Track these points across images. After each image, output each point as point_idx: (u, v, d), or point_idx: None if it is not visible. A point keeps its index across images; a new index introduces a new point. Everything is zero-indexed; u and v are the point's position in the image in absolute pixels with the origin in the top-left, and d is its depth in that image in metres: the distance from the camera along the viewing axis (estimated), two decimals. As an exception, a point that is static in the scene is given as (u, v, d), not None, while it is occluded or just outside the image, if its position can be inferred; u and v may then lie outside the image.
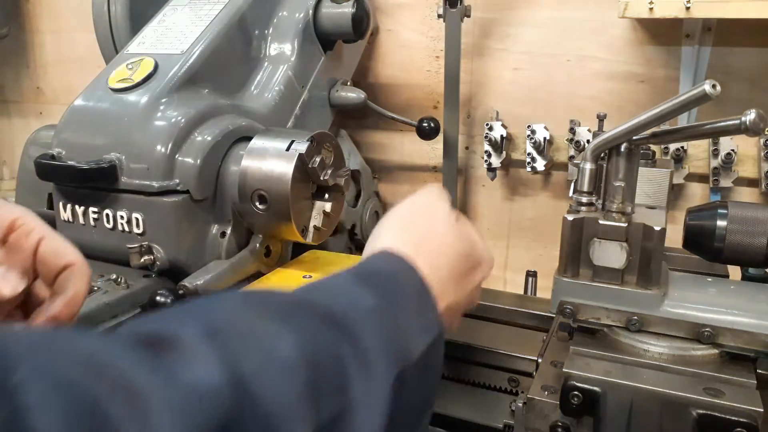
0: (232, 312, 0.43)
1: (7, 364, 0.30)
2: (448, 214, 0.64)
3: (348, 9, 1.23)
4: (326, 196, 1.01)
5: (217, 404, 0.34)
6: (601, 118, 0.94)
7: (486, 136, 1.40)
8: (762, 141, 1.22)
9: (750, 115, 0.59)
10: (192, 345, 0.37)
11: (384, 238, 0.60)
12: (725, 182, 1.26)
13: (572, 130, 1.34)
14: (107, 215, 0.97)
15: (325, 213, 1.01)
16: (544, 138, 1.34)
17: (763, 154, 1.22)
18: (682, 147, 1.26)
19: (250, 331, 0.41)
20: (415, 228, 0.62)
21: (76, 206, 0.99)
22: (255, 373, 0.37)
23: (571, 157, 1.35)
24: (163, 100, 0.98)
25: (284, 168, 0.93)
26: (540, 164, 1.37)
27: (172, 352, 0.36)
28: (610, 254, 0.67)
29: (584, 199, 0.70)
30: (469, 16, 1.34)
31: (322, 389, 0.41)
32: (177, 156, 0.95)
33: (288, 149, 0.94)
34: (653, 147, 0.88)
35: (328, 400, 0.41)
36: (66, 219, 1.01)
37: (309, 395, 0.39)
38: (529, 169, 1.38)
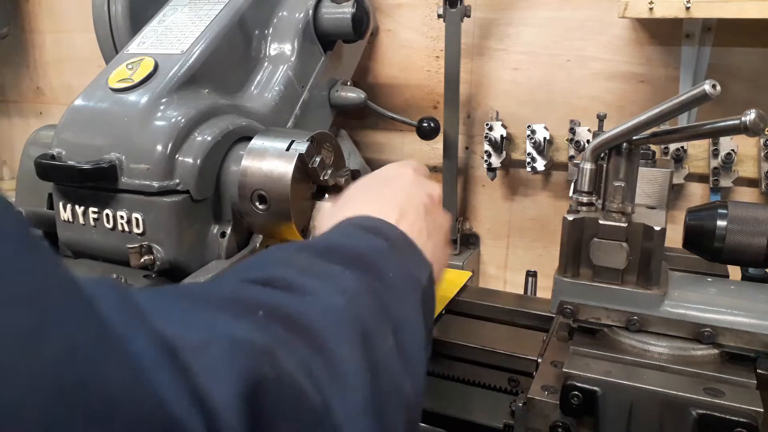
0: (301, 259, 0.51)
1: None
2: (409, 174, 0.70)
3: (348, 9, 1.23)
4: (326, 196, 1.01)
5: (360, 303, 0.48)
6: (601, 118, 0.94)
7: (486, 136, 1.41)
8: (762, 141, 1.22)
9: (750, 115, 0.59)
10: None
11: (353, 206, 0.64)
12: (725, 182, 1.26)
13: (572, 130, 1.34)
14: (107, 215, 0.97)
15: (325, 213, 1.01)
16: (544, 138, 1.34)
17: (763, 154, 1.22)
18: (682, 147, 1.27)
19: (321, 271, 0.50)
20: (381, 191, 0.68)
21: (76, 206, 0.99)
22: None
23: (571, 157, 1.35)
24: (163, 100, 0.98)
25: (284, 168, 0.93)
26: (540, 164, 1.37)
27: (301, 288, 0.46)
28: (610, 254, 0.67)
29: (584, 199, 0.70)
30: (469, 16, 1.34)
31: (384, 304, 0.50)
32: (177, 156, 0.95)
33: (288, 149, 0.94)
34: (653, 147, 0.88)
35: (387, 314, 0.49)
36: (66, 219, 1.01)
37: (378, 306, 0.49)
38: (529, 169, 1.38)
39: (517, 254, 1.53)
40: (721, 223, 0.68)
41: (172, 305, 0.38)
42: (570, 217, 0.69)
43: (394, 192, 0.66)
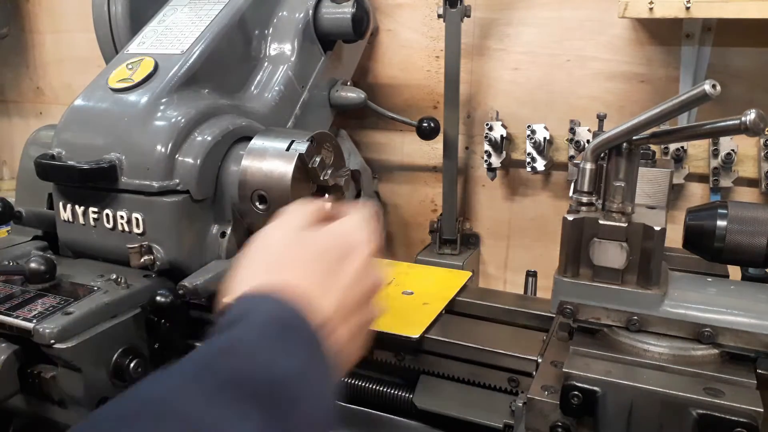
0: None
1: None
2: (290, 225, 0.62)
3: (348, 9, 1.23)
4: (326, 196, 1.01)
5: None
6: (601, 118, 0.94)
7: (486, 136, 1.41)
8: (762, 141, 1.22)
9: (750, 115, 0.59)
10: None
11: (247, 278, 0.57)
12: (725, 182, 1.26)
13: (572, 130, 1.34)
14: (107, 215, 0.97)
15: (325, 213, 1.01)
16: (544, 138, 1.34)
17: (763, 154, 1.22)
18: (682, 147, 1.27)
19: None
20: (270, 258, 0.59)
21: (76, 206, 0.99)
22: None
23: (571, 157, 1.35)
24: (163, 100, 0.98)
25: (284, 168, 0.93)
26: (540, 164, 1.37)
27: None
28: (610, 254, 0.67)
29: (584, 199, 0.70)
30: (469, 16, 1.34)
31: None
32: (177, 156, 0.95)
33: (288, 149, 0.94)
34: (653, 147, 0.88)
35: None
36: (66, 219, 1.01)
37: None
38: (529, 169, 1.38)
39: (517, 254, 1.53)
40: (721, 223, 0.68)
41: None
42: (570, 217, 0.69)
43: (335, 274, 0.58)
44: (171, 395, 0.43)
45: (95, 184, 0.95)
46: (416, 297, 0.94)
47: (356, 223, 0.63)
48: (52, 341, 0.79)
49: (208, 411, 0.42)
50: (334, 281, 0.57)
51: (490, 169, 1.43)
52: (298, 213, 0.63)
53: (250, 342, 0.50)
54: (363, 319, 0.60)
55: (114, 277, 0.91)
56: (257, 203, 0.95)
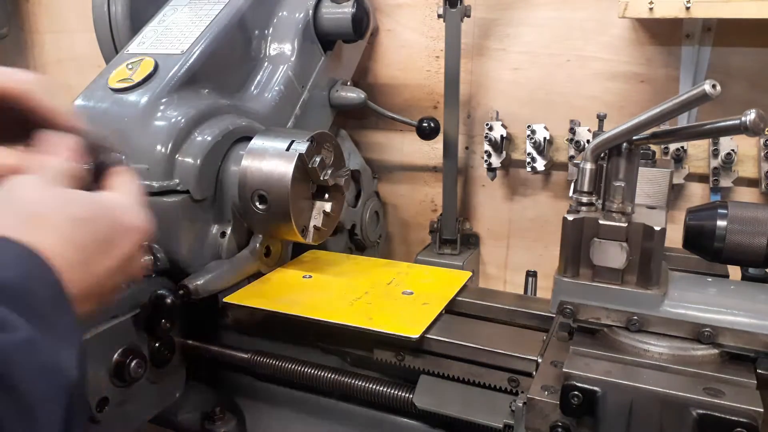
0: None
1: None
2: (46, 176, 0.52)
3: (348, 9, 1.23)
4: (326, 196, 1.01)
5: None
6: (601, 118, 0.94)
7: (486, 136, 1.41)
8: (762, 141, 1.22)
9: (750, 115, 0.59)
10: None
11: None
12: (725, 182, 1.26)
13: (572, 130, 1.34)
14: (107, 215, 0.97)
15: (325, 213, 1.01)
16: (544, 138, 1.34)
17: (763, 154, 1.22)
18: (682, 147, 1.27)
19: None
20: (21, 210, 0.48)
21: (76, 206, 0.99)
22: None
23: (571, 157, 1.35)
24: (163, 100, 0.98)
25: (284, 168, 0.93)
26: (540, 164, 1.37)
27: None
28: (610, 254, 0.67)
29: (584, 199, 0.70)
30: (469, 16, 1.34)
31: None
32: (177, 156, 0.95)
33: (288, 149, 0.94)
34: (653, 147, 0.88)
35: None
36: (66, 219, 1.00)
37: None
38: (529, 169, 1.38)
39: (517, 254, 1.53)
40: (721, 223, 0.68)
41: None
42: (570, 217, 0.69)
43: (100, 253, 0.50)
44: None
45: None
46: (416, 297, 0.94)
47: (132, 200, 0.55)
48: (52, 341, 0.79)
49: None
50: (96, 262, 0.50)
51: (490, 169, 1.43)
52: (56, 165, 0.53)
53: None
54: (106, 298, 0.53)
55: (114, 277, 0.91)
56: (257, 203, 0.95)
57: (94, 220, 0.51)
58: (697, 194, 1.32)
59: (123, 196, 0.55)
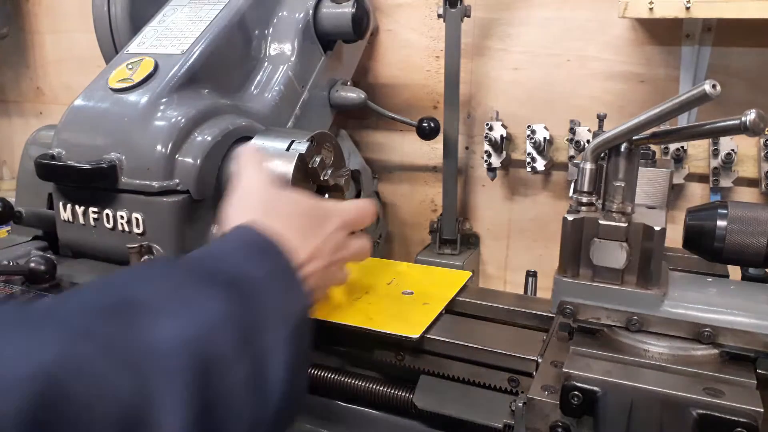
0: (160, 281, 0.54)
1: None
2: (264, 180, 0.75)
3: (348, 9, 1.23)
4: (326, 196, 1.01)
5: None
6: (601, 118, 0.94)
7: (486, 136, 1.41)
8: (762, 141, 1.22)
9: (750, 115, 0.59)
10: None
11: (237, 217, 0.68)
12: (725, 182, 1.26)
13: (572, 130, 1.34)
14: (107, 215, 0.97)
15: (325, 213, 1.01)
16: (544, 138, 1.34)
17: (763, 154, 1.22)
18: (682, 147, 1.27)
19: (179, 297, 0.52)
20: (262, 202, 0.72)
21: (76, 206, 0.99)
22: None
23: (571, 157, 1.35)
24: (163, 100, 0.98)
25: (284, 168, 0.93)
26: (540, 164, 1.37)
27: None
28: (610, 254, 0.67)
29: (584, 199, 0.70)
30: (469, 16, 1.34)
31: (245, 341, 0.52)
32: (177, 156, 0.95)
33: (288, 149, 0.94)
34: (653, 147, 0.88)
35: (249, 348, 0.52)
36: (66, 219, 1.01)
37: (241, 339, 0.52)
38: (529, 169, 1.38)
39: (517, 254, 1.53)
40: (721, 223, 0.68)
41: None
42: (570, 217, 0.69)
43: (314, 234, 0.71)
44: (142, 288, 0.52)
45: (95, 184, 0.95)
46: (416, 297, 0.94)
47: (335, 202, 0.80)
48: (52, 341, 0.79)
49: (176, 292, 0.51)
50: (312, 238, 0.70)
51: (490, 169, 1.43)
52: (263, 170, 0.77)
53: (223, 251, 0.60)
54: (331, 278, 0.75)
55: (114, 277, 0.91)
56: (257, 203, 0.95)
57: (307, 210, 0.73)
58: (697, 194, 1.33)
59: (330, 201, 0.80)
